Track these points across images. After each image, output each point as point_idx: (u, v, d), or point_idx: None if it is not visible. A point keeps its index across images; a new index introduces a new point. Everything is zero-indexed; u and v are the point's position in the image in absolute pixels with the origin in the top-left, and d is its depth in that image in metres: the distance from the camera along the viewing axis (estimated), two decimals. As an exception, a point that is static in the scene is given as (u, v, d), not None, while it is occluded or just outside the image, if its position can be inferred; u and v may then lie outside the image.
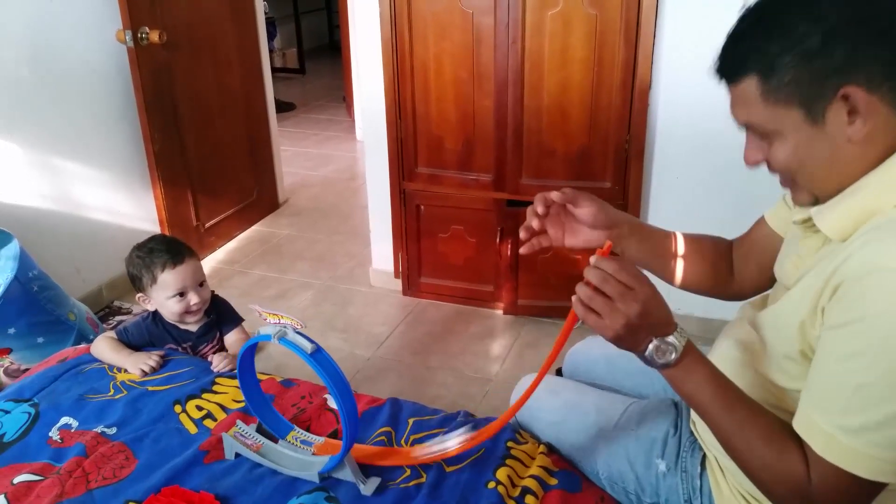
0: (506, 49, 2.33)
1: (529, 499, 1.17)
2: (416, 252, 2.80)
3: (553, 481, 1.22)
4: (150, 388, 1.50)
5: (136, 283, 1.69)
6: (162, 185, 2.91)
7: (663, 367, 0.91)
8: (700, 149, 2.32)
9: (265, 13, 3.86)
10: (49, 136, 2.53)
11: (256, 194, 3.66)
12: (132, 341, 1.66)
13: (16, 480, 1.24)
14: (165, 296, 1.64)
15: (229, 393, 1.48)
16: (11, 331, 2.05)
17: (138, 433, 1.36)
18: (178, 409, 1.43)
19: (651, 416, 1.22)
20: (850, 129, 0.81)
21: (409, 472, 1.24)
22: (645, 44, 2.21)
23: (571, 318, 0.98)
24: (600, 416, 1.26)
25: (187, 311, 1.67)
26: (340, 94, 6.20)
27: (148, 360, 1.56)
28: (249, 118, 3.53)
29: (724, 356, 1.06)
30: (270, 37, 6.50)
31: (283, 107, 5.77)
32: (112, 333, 1.68)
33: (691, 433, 1.17)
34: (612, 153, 2.38)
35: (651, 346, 0.90)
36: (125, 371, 1.56)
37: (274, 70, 3.76)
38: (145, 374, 1.54)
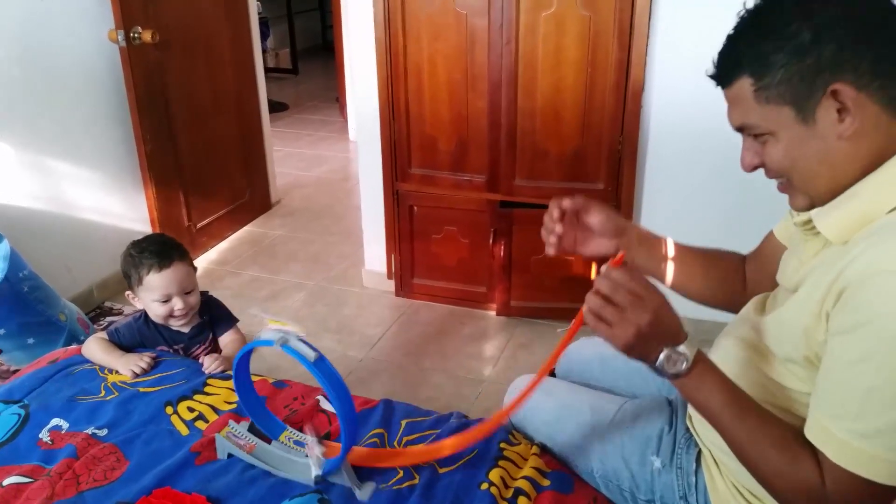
0: (499, 50, 2.33)
1: (522, 500, 1.17)
2: (410, 253, 2.79)
3: (546, 482, 1.22)
4: (141, 390, 1.49)
5: (126, 279, 1.68)
6: (154, 186, 2.89)
7: (674, 377, 0.92)
8: (693, 150, 2.33)
9: (258, 13, 3.85)
10: (40, 135, 2.51)
11: (249, 195, 3.65)
12: (123, 342, 1.65)
13: (5, 483, 1.23)
14: (150, 298, 1.63)
15: (221, 394, 1.48)
16: (1, 331, 2.04)
17: (129, 435, 1.35)
18: (169, 410, 1.42)
19: (645, 414, 1.22)
20: (840, 126, 0.83)
21: (401, 473, 1.23)
22: (638, 45, 2.21)
23: (577, 323, 0.98)
24: (595, 414, 1.26)
25: (170, 316, 1.66)
26: (333, 95, 6.19)
27: (139, 361, 1.56)
28: (242, 118, 3.52)
29: (727, 355, 1.06)
30: (263, 37, 6.48)
31: (276, 107, 5.75)
32: (103, 334, 1.67)
33: (686, 430, 1.17)
34: (606, 154, 2.39)
35: (662, 356, 0.90)
36: (116, 372, 1.55)
37: (267, 70, 3.76)
38: (136, 375, 1.53)
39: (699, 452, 1.13)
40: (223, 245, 3.42)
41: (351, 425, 1.13)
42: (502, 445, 1.29)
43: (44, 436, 1.36)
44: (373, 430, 1.35)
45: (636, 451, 1.18)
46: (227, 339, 1.76)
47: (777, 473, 0.87)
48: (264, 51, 5.98)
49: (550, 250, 1.19)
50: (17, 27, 2.38)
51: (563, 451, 1.28)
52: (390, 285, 2.89)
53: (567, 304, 2.60)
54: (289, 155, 4.82)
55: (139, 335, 1.68)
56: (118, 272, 1.71)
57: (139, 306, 1.69)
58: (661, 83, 2.29)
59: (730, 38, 0.89)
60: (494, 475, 1.21)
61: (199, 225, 3.23)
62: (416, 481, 1.21)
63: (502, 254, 2.61)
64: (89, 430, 1.36)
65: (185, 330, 1.72)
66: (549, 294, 2.63)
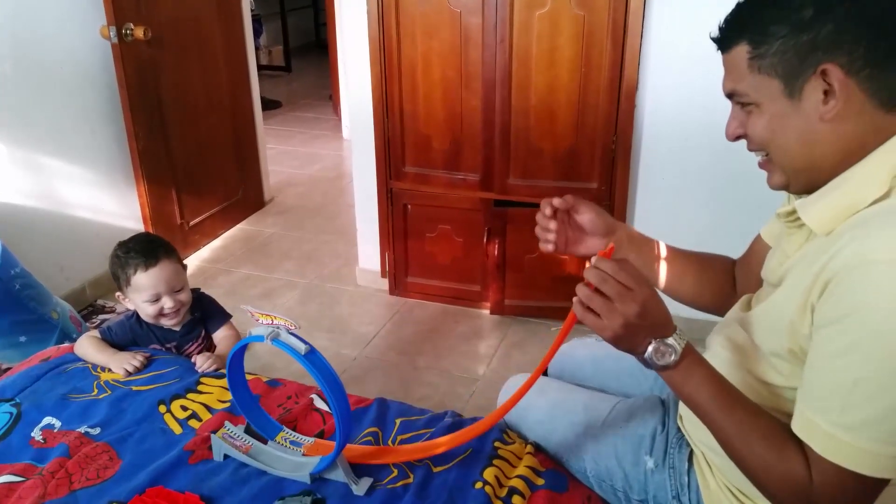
0: (493, 49, 2.33)
1: (516, 499, 1.17)
2: (403, 251, 2.79)
3: (540, 481, 1.22)
4: (134, 388, 1.48)
5: (115, 281, 1.67)
6: (146, 183, 2.88)
7: (662, 369, 0.92)
8: (686, 149, 2.34)
9: (251, 10, 3.84)
10: (32, 132, 2.50)
11: (242, 192, 3.64)
12: (116, 340, 1.65)
13: (-3, 481, 1.23)
14: (139, 298, 1.62)
15: (214, 393, 1.47)
16: (-8, 329, 2.03)
17: (122, 433, 1.35)
18: (162, 409, 1.42)
19: (639, 414, 1.23)
20: (824, 107, 0.83)
21: (396, 472, 1.23)
22: (632, 45, 2.22)
23: (570, 320, 0.98)
24: (588, 414, 1.26)
25: (161, 315, 1.65)
26: (327, 93, 6.18)
27: (132, 359, 1.55)
28: (235, 116, 3.51)
29: (716, 355, 1.06)
30: (256, 34, 6.48)
31: (269, 105, 5.73)
32: (96, 332, 1.66)
33: (678, 429, 1.17)
34: (599, 153, 2.39)
35: (650, 348, 0.90)
36: (109, 370, 1.55)
37: (260, 68, 3.75)
38: (129, 373, 1.53)
39: (691, 452, 1.13)
40: (216, 243, 3.41)
41: (344, 416, 1.13)
42: (497, 444, 1.29)
43: (36, 434, 1.36)
44: (367, 428, 1.35)
45: (629, 451, 1.18)
46: (221, 335, 1.75)
47: (764, 467, 0.87)
48: (257, 48, 5.97)
49: (548, 247, 1.19)
50: (7, 23, 2.36)
51: (557, 451, 1.28)
52: (384, 284, 2.89)
53: (561, 303, 2.61)
54: (282, 153, 4.80)
55: (132, 333, 1.67)
56: (110, 270, 1.70)
57: (130, 307, 1.68)
58: (655, 82, 2.29)
59: (738, 4, 0.90)
60: (489, 474, 1.21)
61: (191, 223, 3.22)
62: (411, 480, 1.21)
63: (496, 252, 2.61)
64: (82, 429, 1.36)
65: (177, 328, 1.71)
66: (543, 293, 2.63)
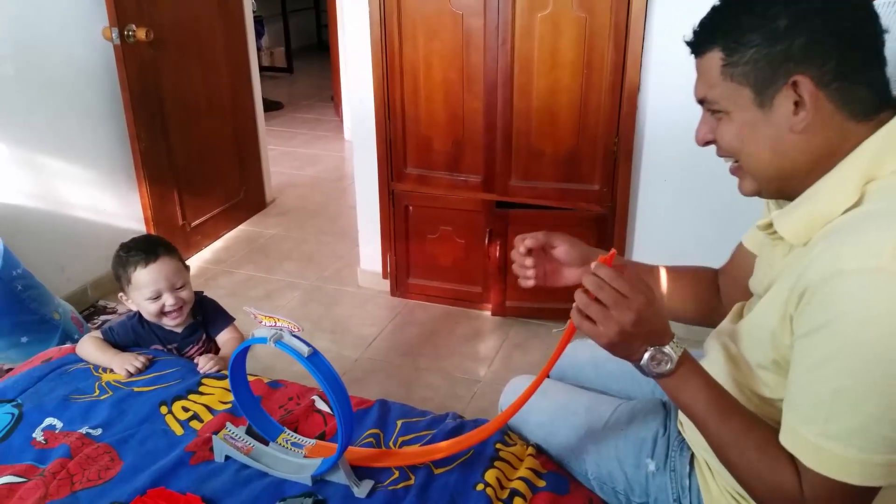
0: (495, 51, 2.33)
1: (518, 501, 1.17)
2: (405, 253, 2.79)
3: (541, 483, 1.22)
4: (135, 389, 1.48)
5: (117, 282, 1.68)
6: (148, 184, 2.88)
7: (659, 377, 0.92)
8: (688, 151, 2.33)
9: (253, 11, 3.84)
10: (34, 133, 2.50)
11: (243, 194, 3.64)
12: (118, 341, 1.65)
13: (-1, 482, 1.23)
14: (141, 296, 1.62)
15: (216, 394, 1.47)
16: (-6, 330, 2.03)
17: (124, 434, 1.35)
18: (164, 410, 1.42)
19: (640, 416, 1.23)
20: (794, 118, 0.84)
21: (397, 474, 1.23)
22: (634, 46, 2.22)
23: (571, 327, 0.98)
24: (589, 416, 1.26)
25: (163, 313, 1.65)
26: (328, 94, 6.18)
27: (134, 360, 1.55)
28: (237, 117, 3.52)
29: (714, 362, 1.06)
30: (258, 35, 6.48)
31: (271, 106, 5.74)
32: (98, 333, 1.66)
33: (679, 432, 1.17)
34: (601, 155, 2.39)
35: (647, 356, 0.91)
36: (111, 371, 1.55)
37: (261, 69, 3.75)
38: (131, 374, 1.53)
39: (692, 455, 1.13)
40: (217, 244, 3.41)
41: (347, 419, 1.13)
42: (498, 446, 1.29)
43: (37, 435, 1.36)
44: (369, 430, 1.35)
45: (631, 454, 1.18)
46: (224, 338, 1.75)
47: (756, 477, 0.87)
48: (259, 49, 5.98)
49: (528, 283, 1.19)
50: (10, 25, 2.37)
51: (559, 453, 1.28)
52: (385, 285, 2.89)
53: (562, 305, 2.60)
54: (283, 154, 4.81)
55: (133, 334, 1.67)
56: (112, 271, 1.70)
57: (133, 308, 1.68)
58: (657, 84, 2.29)
59: (714, 8, 0.90)
60: (490, 476, 1.21)
61: (193, 224, 3.22)
62: (412, 482, 1.21)
63: (498, 254, 2.61)
64: (83, 430, 1.36)
65: (179, 330, 1.71)
66: (545, 294, 2.63)
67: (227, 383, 1.47)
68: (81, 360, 1.60)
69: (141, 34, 2.65)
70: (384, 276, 2.89)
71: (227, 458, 1.27)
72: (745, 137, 0.88)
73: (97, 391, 1.48)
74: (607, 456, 1.21)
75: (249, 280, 3.06)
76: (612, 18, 2.20)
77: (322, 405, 1.44)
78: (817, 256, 0.80)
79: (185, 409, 1.42)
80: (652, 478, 1.15)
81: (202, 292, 1.79)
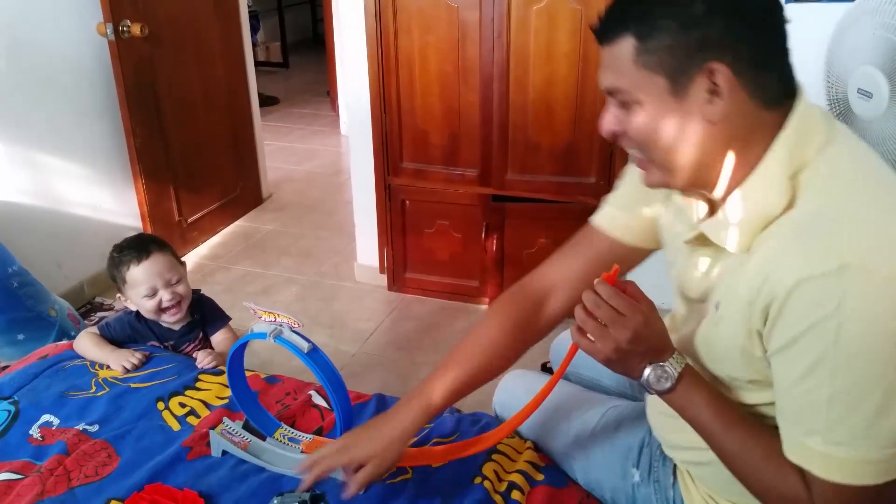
0: (491, 44, 2.32)
1: (515, 494, 1.17)
2: (402, 247, 2.79)
3: (539, 476, 1.22)
4: (132, 385, 1.48)
5: (114, 282, 1.68)
6: (144, 180, 2.87)
7: (660, 393, 0.92)
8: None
9: (248, 6, 3.83)
10: (28, 130, 2.49)
11: (240, 189, 3.63)
12: (115, 337, 1.65)
13: (-4, 479, 1.22)
14: (138, 294, 1.62)
15: (213, 390, 1.47)
16: (-9, 327, 2.02)
17: (121, 431, 1.35)
18: (160, 406, 1.41)
19: (627, 423, 1.21)
20: (709, 107, 0.81)
21: (394, 468, 1.23)
22: (630, 39, 2.21)
23: (573, 347, 0.98)
24: (577, 422, 1.26)
25: (161, 309, 1.64)
26: (324, 89, 6.17)
27: (131, 357, 1.55)
28: (232, 112, 3.50)
29: None
30: (253, 30, 6.44)
31: (267, 101, 5.72)
32: (95, 329, 1.66)
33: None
34: (598, 148, 2.39)
35: (647, 373, 0.91)
36: (107, 368, 1.55)
37: (257, 64, 3.74)
38: (128, 370, 1.53)
39: (675, 465, 1.11)
40: (214, 240, 3.40)
41: (346, 415, 1.13)
42: (495, 439, 1.29)
43: (34, 432, 1.36)
44: (366, 424, 1.35)
45: (617, 463, 1.17)
46: (219, 338, 1.75)
47: (766, 487, 0.86)
48: (254, 44, 5.95)
49: None
50: (3, 20, 2.35)
51: (550, 455, 1.29)
52: (382, 280, 2.89)
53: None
54: (280, 149, 4.79)
55: (130, 330, 1.67)
56: (108, 267, 1.70)
57: (132, 307, 1.68)
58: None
59: None
60: (488, 469, 1.21)
61: (189, 220, 3.22)
62: (409, 476, 1.21)
63: (494, 248, 2.61)
64: (80, 426, 1.36)
65: (176, 328, 1.71)
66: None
67: (223, 379, 1.47)
68: (78, 357, 1.60)
69: (136, 29, 2.64)
70: (381, 271, 2.88)
71: (224, 453, 1.27)
72: (658, 128, 0.84)
73: (94, 388, 1.48)
74: (595, 464, 1.20)
75: (246, 276, 3.06)
76: (608, 11, 2.19)
77: (319, 400, 1.44)
78: (772, 271, 0.78)
79: (182, 405, 1.42)
80: (637, 488, 1.14)
81: (200, 290, 1.79)
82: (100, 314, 2.66)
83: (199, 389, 1.47)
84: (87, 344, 1.61)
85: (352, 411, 1.24)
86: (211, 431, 1.27)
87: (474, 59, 2.37)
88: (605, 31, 0.86)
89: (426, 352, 2.48)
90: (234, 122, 3.52)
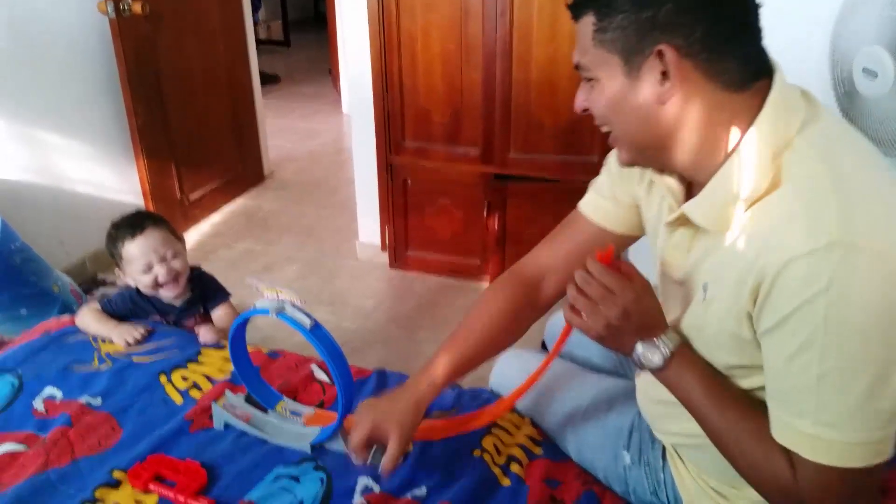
0: (494, 21, 2.30)
1: (515, 466, 1.18)
2: (403, 226, 2.79)
3: (538, 450, 1.23)
4: (135, 360, 1.49)
5: (112, 259, 1.69)
6: (146, 158, 2.87)
7: (652, 371, 0.92)
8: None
9: (249, -17, 3.79)
10: (30, 108, 2.48)
11: (241, 167, 3.63)
12: (116, 312, 1.65)
13: (0, 450, 1.24)
14: (134, 270, 1.63)
15: (215, 363, 1.48)
16: (-6, 303, 2.04)
17: (124, 403, 1.36)
18: (163, 379, 1.43)
19: (618, 404, 1.22)
20: (661, 89, 0.82)
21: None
22: (633, 16, 2.19)
23: (568, 326, 0.98)
24: (570, 402, 1.26)
25: (158, 285, 1.65)
26: (326, 67, 6.13)
27: (134, 331, 1.56)
28: (234, 91, 3.49)
29: None
30: (255, 8, 6.39)
31: (268, 80, 5.69)
32: (96, 304, 1.66)
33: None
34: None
35: (638, 349, 0.91)
36: (109, 342, 1.56)
37: (258, 42, 3.72)
38: (130, 345, 1.54)
39: (664, 447, 1.12)
40: (216, 218, 3.41)
41: (347, 389, 1.14)
42: (495, 414, 1.30)
43: (38, 405, 1.37)
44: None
45: (609, 445, 1.18)
46: (219, 313, 1.76)
47: (752, 466, 0.86)
48: (255, 23, 5.91)
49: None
50: (4, -3, 2.34)
51: (546, 433, 1.29)
52: (384, 258, 2.90)
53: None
54: (281, 128, 4.78)
55: (132, 305, 1.68)
56: (110, 244, 1.70)
57: (131, 283, 1.69)
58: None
59: None
60: (487, 442, 1.23)
61: (191, 197, 3.22)
62: (410, 448, 1.22)
63: (496, 226, 2.61)
64: (83, 399, 1.37)
65: (177, 303, 1.71)
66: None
67: (225, 354, 1.48)
68: (80, 332, 1.61)
69: (136, 7, 2.62)
70: (383, 249, 2.89)
71: (227, 426, 1.28)
72: (615, 107, 0.86)
73: (96, 361, 1.49)
74: (587, 445, 1.21)
75: (248, 253, 3.06)
76: (612, -13, 2.17)
77: (320, 374, 1.45)
78: (760, 251, 0.77)
79: (185, 379, 1.43)
80: (629, 470, 1.14)
81: (199, 266, 1.80)
82: (101, 290, 2.67)
83: (201, 363, 1.48)
84: (89, 319, 1.61)
85: (353, 386, 1.25)
86: (213, 404, 1.28)
87: (477, 36, 2.35)
88: (573, 7, 0.88)
89: (427, 329, 2.49)
90: (235, 100, 3.50)
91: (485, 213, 2.61)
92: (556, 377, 1.33)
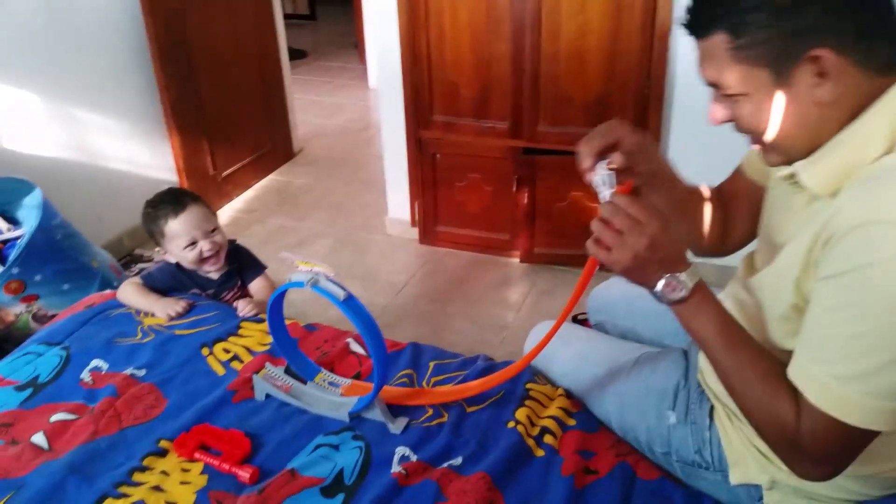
0: (523, -8, 2.28)
1: (548, 438, 1.20)
2: (433, 201, 2.80)
3: (571, 422, 1.25)
4: (177, 332, 1.53)
5: (152, 237, 1.72)
6: (178, 135, 2.91)
7: (672, 304, 0.93)
8: (720, 94, 2.29)
9: (276, -42, 3.78)
10: (66, 86, 2.53)
11: (271, 143, 3.66)
12: (157, 286, 1.70)
13: (52, 419, 1.29)
14: (178, 246, 1.67)
15: (255, 336, 1.52)
16: (38, 278, 2.09)
17: (167, 375, 1.40)
18: (205, 351, 1.47)
19: (662, 367, 1.23)
20: (818, 90, 0.81)
21: (431, 412, 1.27)
22: (666, -14, 2.16)
23: (590, 265, 0.99)
24: (611, 366, 1.28)
25: (202, 259, 1.69)
26: (352, 41, 6.12)
27: (176, 305, 1.60)
28: (263, 66, 3.51)
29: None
30: (281, -17, 6.38)
31: (295, 55, 5.69)
32: (138, 279, 1.71)
33: (699, 384, 1.17)
34: (632, 100, 2.36)
35: (661, 282, 0.92)
36: (151, 315, 1.60)
37: (284, 17, 3.72)
38: (172, 318, 1.58)
39: (712, 408, 1.13)
40: (248, 194, 3.45)
41: (382, 359, 1.16)
42: (528, 386, 1.32)
43: (85, 376, 1.42)
44: (402, 371, 1.39)
45: (652, 406, 1.19)
46: (256, 286, 1.80)
47: (757, 406, 0.89)
48: (282, -3, 5.90)
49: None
50: (38, -25, 2.37)
51: (582, 400, 1.31)
52: (414, 233, 2.92)
53: (590, 251, 2.61)
54: (309, 103, 4.80)
55: (172, 279, 1.72)
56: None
57: (172, 260, 1.73)
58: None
59: None
60: (521, 414, 1.25)
61: (223, 173, 3.26)
62: (445, 419, 1.25)
63: (526, 201, 2.61)
64: (128, 371, 1.41)
65: (215, 277, 1.75)
66: (573, 241, 2.63)
67: (264, 326, 1.51)
68: (122, 306, 1.65)
69: (166, -17, 2.64)
70: (412, 224, 2.91)
71: (268, 396, 1.32)
72: (767, 116, 0.85)
73: (139, 334, 1.54)
74: (629, 407, 1.22)
75: (280, 229, 3.10)
76: (644, -44, 2.14)
77: (356, 347, 1.48)
78: (844, 204, 0.79)
79: (226, 351, 1.47)
80: (673, 430, 1.16)
81: (235, 240, 1.83)
82: (139, 265, 2.73)
83: (241, 336, 1.52)
84: (132, 293, 1.66)
85: (387, 355, 1.28)
86: (254, 376, 1.32)
87: (505, 7, 2.33)
88: (697, 26, 0.86)
89: (458, 304, 2.51)
90: (264, 75, 3.52)
91: (514, 187, 2.61)
92: (597, 346, 1.34)
